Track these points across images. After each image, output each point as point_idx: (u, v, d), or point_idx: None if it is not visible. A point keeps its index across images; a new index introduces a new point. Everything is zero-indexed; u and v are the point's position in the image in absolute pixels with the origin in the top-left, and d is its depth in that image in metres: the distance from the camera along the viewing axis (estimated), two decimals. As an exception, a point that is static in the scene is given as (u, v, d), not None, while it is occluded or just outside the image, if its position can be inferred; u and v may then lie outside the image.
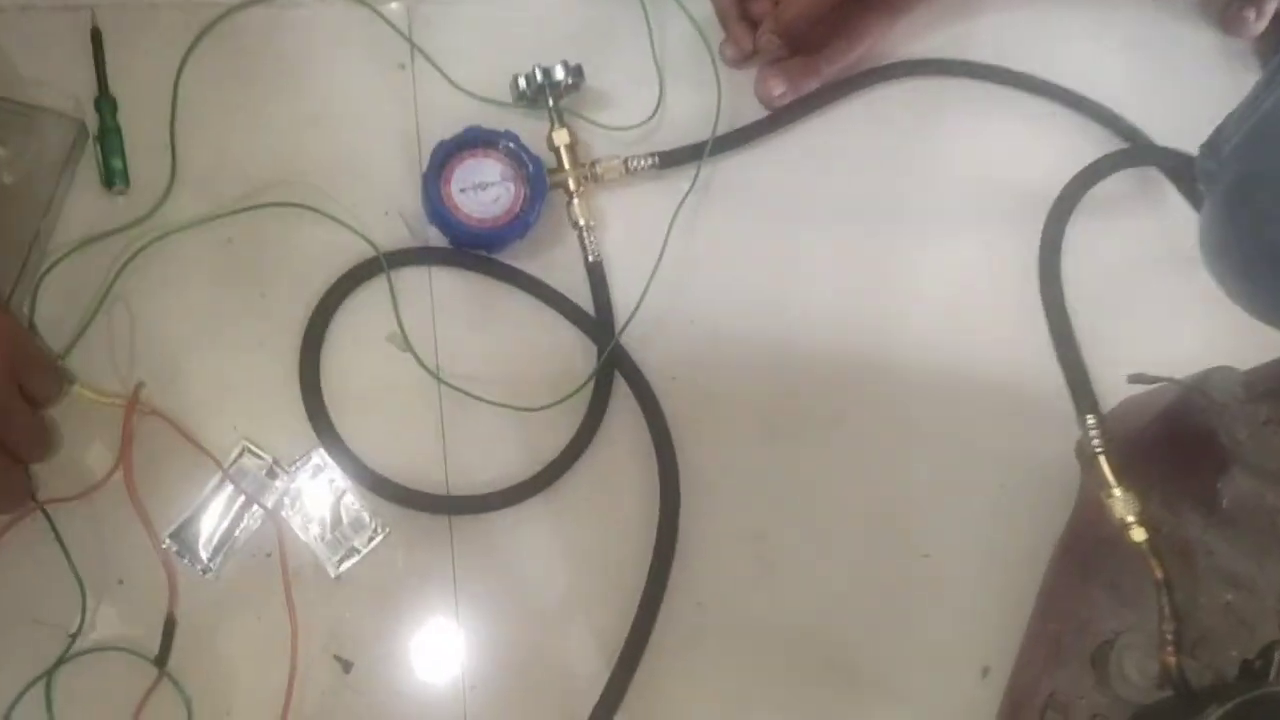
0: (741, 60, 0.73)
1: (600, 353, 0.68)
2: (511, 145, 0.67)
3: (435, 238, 0.68)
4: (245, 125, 0.68)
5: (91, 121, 0.66)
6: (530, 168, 0.67)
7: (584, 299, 0.69)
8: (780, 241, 0.72)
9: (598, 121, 0.71)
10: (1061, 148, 0.76)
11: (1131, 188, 0.76)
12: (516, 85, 0.69)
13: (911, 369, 0.71)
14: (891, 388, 0.70)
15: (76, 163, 0.65)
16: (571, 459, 0.66)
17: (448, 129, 0.67)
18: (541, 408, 0.66)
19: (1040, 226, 0.73)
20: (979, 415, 0.70)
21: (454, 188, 0.66)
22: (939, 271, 0.73)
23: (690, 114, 0.73)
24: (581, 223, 0.69)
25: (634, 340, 0.68)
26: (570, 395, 0.66)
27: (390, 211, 0.68)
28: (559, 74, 0.68)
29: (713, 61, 0.73)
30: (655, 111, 0.72)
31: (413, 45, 0.71)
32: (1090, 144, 0.76)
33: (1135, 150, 0.76)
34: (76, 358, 0.62)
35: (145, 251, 0.64)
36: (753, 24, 0.71)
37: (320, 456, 0.64)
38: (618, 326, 0.68)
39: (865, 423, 0.69)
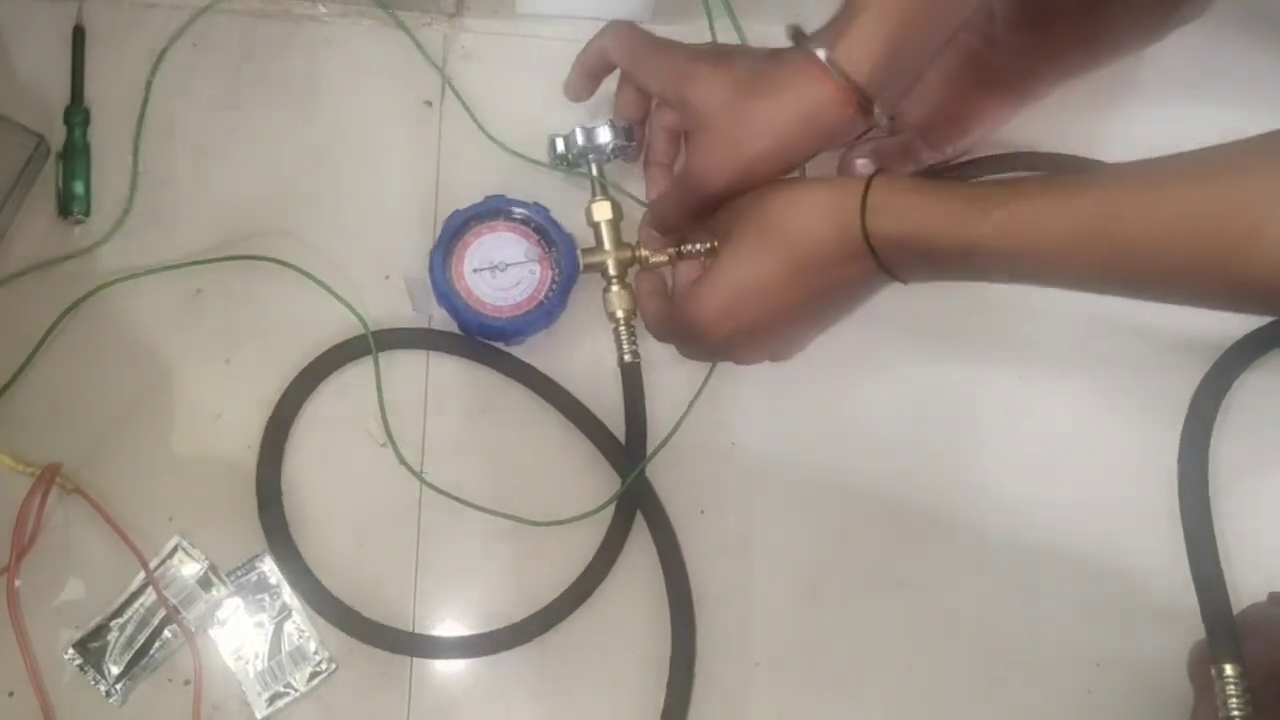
0: None
1: (624, 477, 0.56)
2: (540, 219, 0.56)
3: (441, 316, 0.57)
4: (235, 155, 0.59)
5: (58, 135, 0.56)
6: (561, 246, 0.56)
7: (607, 408, 0.57)
8: (851, 361, 0.60)
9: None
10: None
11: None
12: (554, 147, 0.57)
13: (993, 532, 0.60)
14: (966, 554, 0.59)
15: (31, 182, 0.56)
16: (572, 605, 0.55)
17: (473, 183, 0.57)
18: (546, 524, 0.55)
19: (1172, 384, 0.60)
20: (1069, 601, 0.59)
21: (468, 267, 0.55)
22: (1039, 420, 0.62)
23: (762, 197, 0.61)
24: (620, 315, 0.57)
25: (660, 461, 0.57)
26: (582, 516, 0.55)
27: (392, 276, 0.58)
28: (603, 136, 0.56)
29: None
30: (721, 190, 0.61)
31: (445, 79, 0.60)
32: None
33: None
34: (-3, 411, 0.53)
35: (97, 294, 0.56)
36: None
37: (267, 566, 0.53)
38: (648, 445, 0.56)
39: (929, 594, 0.59)
